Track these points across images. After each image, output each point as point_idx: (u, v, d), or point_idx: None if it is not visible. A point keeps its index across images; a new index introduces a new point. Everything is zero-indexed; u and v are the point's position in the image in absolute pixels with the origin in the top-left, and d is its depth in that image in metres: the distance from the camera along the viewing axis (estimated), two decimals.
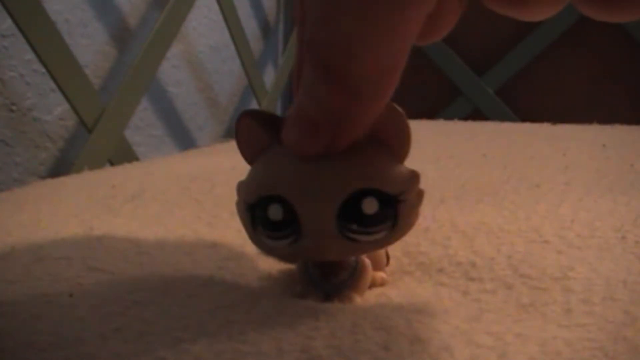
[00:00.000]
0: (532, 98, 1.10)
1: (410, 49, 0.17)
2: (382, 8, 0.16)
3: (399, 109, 0.20)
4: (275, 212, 0.19)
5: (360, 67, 0.17)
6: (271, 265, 0.26)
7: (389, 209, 0.19)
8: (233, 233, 0.31)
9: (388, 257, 0.25)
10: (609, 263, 0.25)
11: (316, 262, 0.22)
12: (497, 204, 0.35)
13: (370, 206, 0.19)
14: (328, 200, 0.19)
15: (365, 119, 0.18)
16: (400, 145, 0.20)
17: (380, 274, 0.23)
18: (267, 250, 0.21)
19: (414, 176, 0.20)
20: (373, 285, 0.23)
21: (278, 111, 1.09)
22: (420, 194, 0.20)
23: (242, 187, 0.21)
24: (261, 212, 0.20)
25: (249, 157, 0.21)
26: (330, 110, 0.18)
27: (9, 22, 0.52)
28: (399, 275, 0.24)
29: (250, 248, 0.29)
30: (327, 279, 0.22)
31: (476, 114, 1.09)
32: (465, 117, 1.06)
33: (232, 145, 0.72)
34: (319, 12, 0.17)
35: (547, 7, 0.18)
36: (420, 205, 0.21)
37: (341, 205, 0.19)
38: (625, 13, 0.17)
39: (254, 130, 0.20)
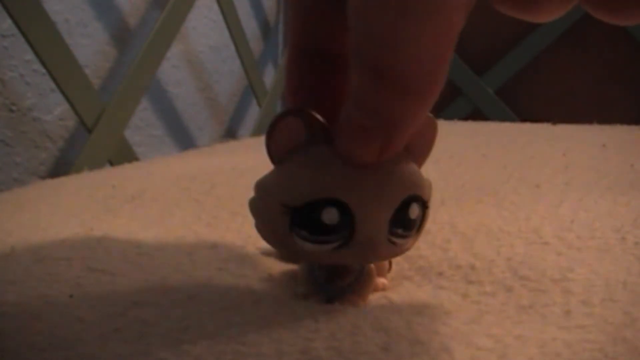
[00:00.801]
0: (532, 98, 1.10)
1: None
2: (425, 2, 0.16)
3: (434, 119, 0.20)
4: (331, 215, 0.19)
5: (407, 64, 0.17)
6: (272, 266, 0.26)
7: (421, 214, 0.20)
8: (233, 234, 0.31)
9: (390, 263, 0.25)
10: (608, 264, 0.25)
11: (322, 266, 0.22)
12: (497, 205, 0.35)
13: (415, 211, 0.20)
14: (387, 205, 0.19)
15: (416, 120, 0.18)
16: (426, 153, 0.21)
17: (382, 280, 0.23)
18: (302, 255, 0.20)
19: (430, 184, 0.21)
20: (375, 290, 0.23)
21: (278, 112, 1.09)
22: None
23: (273, 188, 0.20)
24: (311, 215, 0.19)
25: (278, 157, 0.20)
26: (381, 113, 0.18)
27: (9, 22, 0.52)
28: (399, 280, 0.24)
29: (250, 249, 0.29)
30: (332, 282, 0.22)
31: (476, 114, 1.09)
32: (466, 117, 1.06)
33: (232, 145, 0.72)
34: (360, 12, 0.17)
35: (555, 9, 0.18)
36: None
37: (395, 211, 0.19)
38: (634, 16, 0.17)
39: (295, 130, 0.20)
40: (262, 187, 0.20)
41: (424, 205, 0.20)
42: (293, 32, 0.21)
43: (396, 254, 0.21)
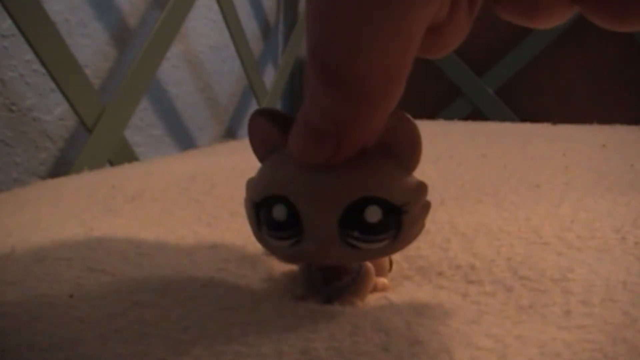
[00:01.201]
0: (532, 98, 1.10)
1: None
2: (383, 8, 0.16)
3: (411, 118, 0.20)
4: (279, 212, 0.20)
5: (361, 70, 0.16)
6: (272, 267, 0.26)
7: (392, 218, 0.19)
8: (233, 234, 0.31)
9: (391, 263, 0.25)
10: (608, 264, 0.25)
11: (319, 266, 0.22)
12: (497, 205, 0.35)
13: (373, 215, 0.19)
14: (331, 205, 0.19)
15: (369, 127, 0.18)
16: (410, 155, 0.20)
17: (382, 280, 0.23)
18: (270, 249, 0.21)
19: (421, 188, 0.20)
20: (374, 290, 0.23)
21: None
22: (426, 206, 0.21)
23: (250, 185, 0.21)
24: (266, 211, 0.20)
25: (261, 155, 0.21)
26: (333, 117, 0.18)
27: (9, 22, 0.52)
28: (399, 280, 0.24)
29: (250, 249, 0.29)
30: (329, 283, 0.22)
31: (476, 114, 1.09)
32: (465, 117, 1.06)
33: (232, 145, 0.72)
34: (317, 14, 0.17)
35: (554, 16, 0.18)
36: (425, 217, 0.21)
37: (344, 212, 0.19)
38: (636, 22, 0.17)
39: (265, 129, 0.20)
40: (246, 185, 0.21)
41: (399, 210, 0.19)
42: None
43: (362, 258, 0.21)
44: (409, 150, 0.20)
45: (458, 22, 0.18)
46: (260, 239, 0.21)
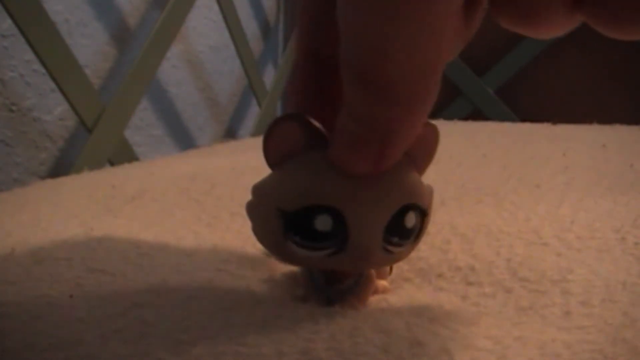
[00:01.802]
0: (532, 98, 1.10)
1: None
2: (410, 5, 0.15)
3: (435, 126, 0.20)
4: (324, 222, 0.19)
5: (393, 71, 0.16)
6: (272, 267, 0.26)
7: (419, 223, 0.20)
8: (233, 234, 0.31)
9: (391, 267, 0.25)
10: (608, 265, 0.25)
11: (321, 269, 0.22)
12: (497, 205, 0.35)
13: (411, 220, 0.20)
14: (381, 212, 0.19)
15: (410, 129, 0.18)
16: (427, 160, 0.20)
17: (382, 282, 0.23)
18: (295, 260, 0.20)
19: (432, 191, 0.21)
20: (375, 293, 0.23)
21: (278, 112, 1.09)
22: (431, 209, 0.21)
23: (269, 192, 0.20)
24: (304, 221, 0.19)
25: (274, 161, 0.20)
26: (373, 123, 0.17)
27: (9, 22, 0.52)
28: (399, 282, 0.24)
29: (250, 250, 0.29)
30: (331, 285, 0.22)
31: (476, 114, 1.09)
32: (465, 117, 1.06)
33: (232, 145, 0.72)
34: (345, 21, 0.17)
35: (555, 26, 0.18)
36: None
37: (390, 219, 0.19)
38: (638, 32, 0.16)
39: (294, 135, 0.19)
40: (259, 190, 0.20)
41: (423, 214, 0.20)
42: (300, 36, 0.21)
43: (391, 262, 0.21)
44: (427, 155, 0.20)
45: (452, 24, 0.18)
46: (280, 249, 0.20)
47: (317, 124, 0.20)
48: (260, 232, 0.20)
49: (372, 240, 0.19)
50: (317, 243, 0.19)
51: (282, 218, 0.19)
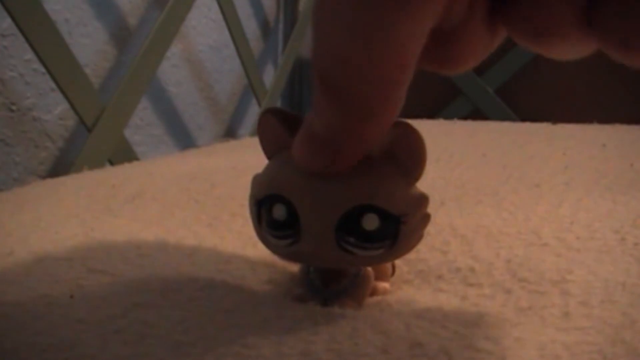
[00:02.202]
0: (532, 97, 1.10)
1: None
2: (370, 18, 0.16)
3: (416, 130, 0.20)
4: (279, 211, 0.20)
5: (356, 81, 0.17)
6: (272, 268, 0.26)
7: (390, 228, 0.20)
8: (233, 235, 0.31)
9: (394, 268, 0.25)
10: (607, 265, 0.25)
11: (317, 268, 0.22)
12: (497, 205, 0.35)
13: (370, 222, 0.19)
14: (329, 210, 0.19)
15: (367, 138, 0.18)
16: (414, 166, 0.20)
17: (383, 284, 0.23)
18: (269, 247, 0.21)
19: (422, 200, 0.20)
20: (375, 294, 0.23)
21: None
22: (426, 218, 0.21)
23: (254, 181, 0.21)
24: (267, 209, 0.20)
25: (269, 153, 0.21)
26: (332, 126, 0.18)
27: (8, 21, 0.52)
28: (399, 284, 0.24)
29: (251, 250, 0.29)
30: (326, 286, 0.22)
31: (476, 114, 1.09)
32: (465, 117, 1.06)
33: (232, 144, 0.72)
34: (314, 25, 0.17)
35: (570, 51, 0.17)
36: (424, 228, 0.21)
37: (342, 217, 0.19)
38: None
39: (274, 128, 0.21)
40: (252, 180, 0.22)
41: (397, 220, 0.20)
42: None
43: (356, 263, 0.21)
44: (413, 161, 0.20)
45: (475, 29, 0.18)
46: (260, 235, 0.21)
47: (298, 116, 0.20)
48: (251, 220, 0.22)
49: (323, 234, 0.19)
50: (277, 231, 0.20)
51: (256, 206, 0.21)
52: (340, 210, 0.19)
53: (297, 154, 0.19)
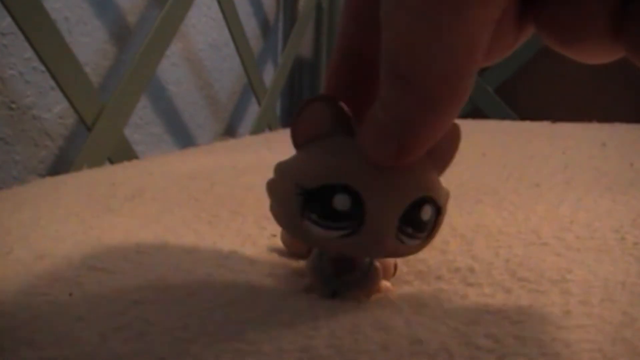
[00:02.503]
0: (532, 96, 1.10)
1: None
2: (454, 12, 0.16)
3: (458, 127, 0.20)
4: (342, 201, 0.19)
5: (434, 72, 0.16)
6: (272, 264, 0.26)
7: (433, 219, 0.20)
8: (233, 233, 0.31)
9: (396, 267, 0.25)
10: (607, 265, 0.25)
11: (331, 258, 0.22)
12: (496, 205, 0.35)
13: (427, 213, 0.20)
14: (399, 199, 0.19)
15: (434, 130, 0.18)
16: (448, 159, 0.21)
17: (385, 283, 0.23)
18: (310, 239, 0.20)
19: (448, 192, 0.21)
20: (377, 292, 0.23)
21: (277, 110, 1.09)
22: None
23: (291, 169, 0.20)
24: (322, 199, 0.19)
25: (302, 141, 0.20)
26: (402, 117, 0.18)
27: (8, 20, 0.52)
28: (399, 284, 0.24)
29: (250, 247, 0.29)
30: (338, 277, 0.22)
31: (476, 113, 1.09)
32: (465, 116, 1.06)
33: (232, 143, 0.72)
34: (392, 23, 0.17)
35: (599, 54, 0.17)
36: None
37: (406, 208, 0.19)
38: None
39: (322, 117, 0.20)
40: (281, 168, 0.21)
41: (438, 211, 0.20)
42: (341, 35, 0.22)
43: (402, 254, 0.21)
44: (448, 156, 0.21)
45: (506, 24, 0.18)
46: (297, 227, 0.20)
47: (346, 108, 0.20)
48: (277, 209, 0.21)
49: (387, 226, 0.19)
50: (333, 222, 0.19)
51: (302, 195, 0.19)
52: (407, 201, 0.19)
53: (367, 147, 0.19)
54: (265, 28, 1.04)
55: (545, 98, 1.10)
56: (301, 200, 0.20)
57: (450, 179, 0.41)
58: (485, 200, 0.36)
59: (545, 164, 0.48)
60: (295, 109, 0.20)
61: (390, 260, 0.24)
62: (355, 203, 0.19)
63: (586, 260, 0.26)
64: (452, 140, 0.21)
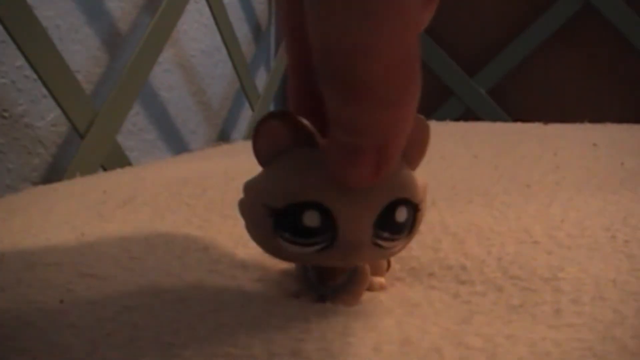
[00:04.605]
0: (524, 98, 1.10)
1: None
2: (385, 2, 0.14)
3: (422, 117, 0.20)
4: (312, 218, 0.19)
5: (380, 68, 0.15)
6: (263, 268, 0.26)
7: (411, 217, 0.20)
8: (224, 237, 0.31)
9: (389, 263, 0.25)
10: (598, 263, 0.25)
11: (314, 266, 0.22)
12: (488, 205, 0.35)
13: (402, 214, 0.20)
14: (370, 207, 0.19)
15: (404, 126, 0.17)
16: (418, 155, 0.20)
17: (379, 280, 0.23)
18: (285, 257, 0.20)
19: (426, 185, 0.21)
20: (371, 290, 0.23)
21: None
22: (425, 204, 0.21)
23: (258, 190, 0.20)
24: (292, 217, 0.19)
25: (265, 159, 0.20)
26: (365, 129, 0.16)
27: None
28: (391, 281, 0.24)
29: (242, 251, 0.29)
30: (323, 282, 0.22)
31: (468, 115, 1.10)
32: (457, 118, 1.06)
33: (225, 149, 0.71)
34: (322, 23, 0.15)
35: None
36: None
37: (379, 214, 0.19)
38: None
39: (279, 133, 0.20)
40: (249, 188, 0.20)
41: (415, 208, 0.20)
42: (287, 52, 0.21)
43: (383, 257, 0.21)
44: (418, 149, 0.20)
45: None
46: (272, 246, 0.20)
47: (303, 120, 0.20)
48: (251, 229, 0.21)
49: (361, 235, 0.19)
50: (306, 239, 0.19)
51: (271, 215, 0.19)
52: (379, 207, 0.19)
53: (341, 175, 0.18)
54: (257, 33, 1.04)
55: (537, 99, 1.10)
56: (271, 221, 0.19)
57: (442, 181, 0.42)
58: (477, 200, 0.36)
59: (537, 164, 0.48)
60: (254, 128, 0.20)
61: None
62: (326, 217, 0.19)
63: (577, 258, 0.26)
64: (420, 132, 0.20)
